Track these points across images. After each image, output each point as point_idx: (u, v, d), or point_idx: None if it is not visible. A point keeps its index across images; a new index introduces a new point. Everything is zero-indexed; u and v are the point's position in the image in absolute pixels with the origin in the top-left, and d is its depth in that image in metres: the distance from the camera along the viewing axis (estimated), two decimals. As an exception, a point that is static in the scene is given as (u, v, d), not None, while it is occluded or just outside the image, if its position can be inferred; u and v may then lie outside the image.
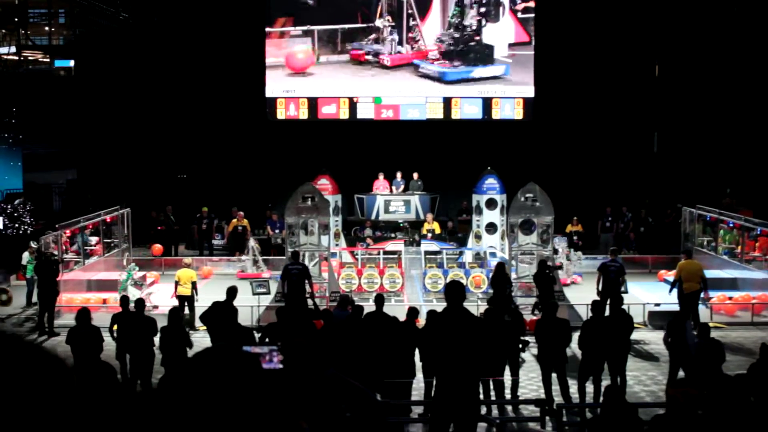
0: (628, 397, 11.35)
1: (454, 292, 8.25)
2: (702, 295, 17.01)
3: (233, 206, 24.45)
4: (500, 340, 11.99)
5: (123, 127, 27.49)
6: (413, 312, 12.65)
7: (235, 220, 23.79)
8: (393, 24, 26.44)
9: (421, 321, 12.97)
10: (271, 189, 26.21)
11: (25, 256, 19.14)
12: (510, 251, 19.13)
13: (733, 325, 17.48)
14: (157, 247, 23.71)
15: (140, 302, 13.35)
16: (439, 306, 10.83)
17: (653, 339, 16.36)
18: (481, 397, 10.98)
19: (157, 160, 27.58)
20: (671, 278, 19.50)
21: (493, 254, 20.92)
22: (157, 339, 12.55)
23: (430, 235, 23.10)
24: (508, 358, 12.50)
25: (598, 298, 14.55)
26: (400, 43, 26.51)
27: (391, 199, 24.94)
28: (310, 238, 19.26)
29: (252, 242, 22.60)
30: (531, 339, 14.12)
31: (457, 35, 26.30)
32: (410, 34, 26.54)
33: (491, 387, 12.19)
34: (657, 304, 17.54)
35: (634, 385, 13.36)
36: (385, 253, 20.61)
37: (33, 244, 19.11)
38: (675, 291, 17.04)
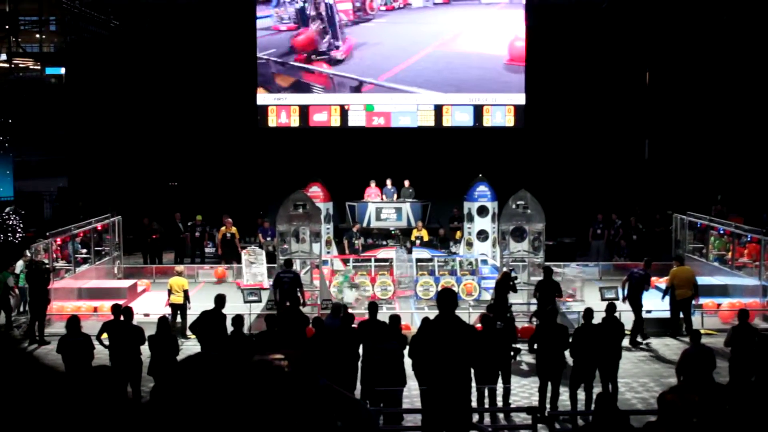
0: (619, 404, 11.35)
1: (446, 299, 8.25)
2: (693, 301, 17.10)
3: (224, 214, 24.39)
4: (493, 348, 12.00)
5: (114, 134, 27.45)
6: (396, 319, 12.70)
7: (224, 228, 23.75)
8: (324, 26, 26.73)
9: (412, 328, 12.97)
10: (262, 196, 26.19)
11: (19, 265, 18.98)
12: (501, 258, 19.13)
13: (723, 331, 17.48)
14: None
15: (128, 311, 13.29)
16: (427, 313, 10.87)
17: (645, 345, 16.42)
18: (475, 404, 10.97)
19: (149, 167, 27.54)
20: (663, 285, 19.57)
21: (484, 261, 20.93)
22: (144, 347, 12.52)
23: (418, 242, 23.12)
24: (500, 366, 12.50)
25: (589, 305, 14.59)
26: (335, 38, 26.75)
27: (383, 207, 24.92)
28: (302, 246, 19.23)
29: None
30: (522, 346, 14.14)
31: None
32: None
33: (486, 394, 12.18)
34: (648, 311, 17.57)
35: (625, 392, 13.37)
36: (377, 260, 20.58)
37: (28, 253, 18.96)
38: (667, 298, 17.17)
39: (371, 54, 26.76)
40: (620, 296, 16.74)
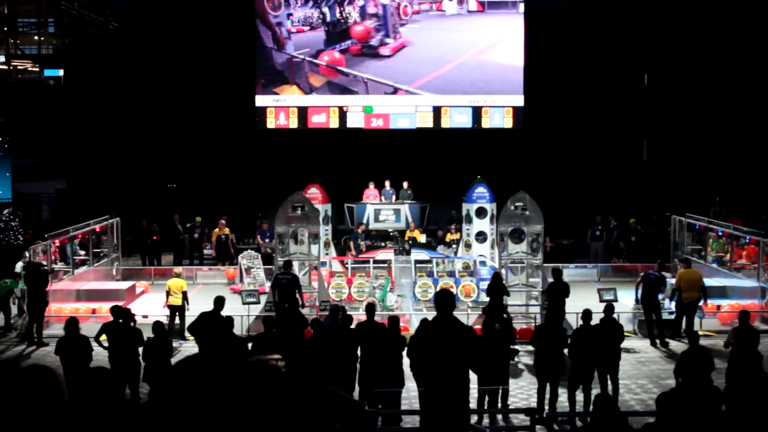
0: (618, 405, 11.36)
1: (444, 300, 8.24)
2: (701, 304, 17.07)
3: (222, 215, 24.36)
4: (491, 349, 11.99)
5: (113, 136, 27.45)
6: (395, 320, 12.71)
7: (217, 230, 23.75)
8: (380, 22, 26.74)
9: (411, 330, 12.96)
10: (261, 198, 26.18)
11: (19, 266, 18.97)
12: (500, 260, 19.13)
13: (722, 333, 17.49)
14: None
15: (127, 312, 13.28)
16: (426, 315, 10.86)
17: (643, 347, 16.42)
18: (474, 405, 10.96)
19: (147, 169, 27.53)
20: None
21: (482, 263, 20.91)
22: (141, 350, 12.53)
23: (411, 242, 23.14)
24: (498, 367, 12.48)
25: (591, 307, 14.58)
26: (387, 35, 26.73)
27: (381, 208, 24.92)
28: (300, 247, 19.23)
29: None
30: (520, 348, 14.14)
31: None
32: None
33: (485, 396, 12.15)
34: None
35: (624, 393, 13.36)
36: (375, 262, 20.57)
37: (26, 254, 18.93)
38: (674, 300, 17.19)
39: (404, 59, 26.76)
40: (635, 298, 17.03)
